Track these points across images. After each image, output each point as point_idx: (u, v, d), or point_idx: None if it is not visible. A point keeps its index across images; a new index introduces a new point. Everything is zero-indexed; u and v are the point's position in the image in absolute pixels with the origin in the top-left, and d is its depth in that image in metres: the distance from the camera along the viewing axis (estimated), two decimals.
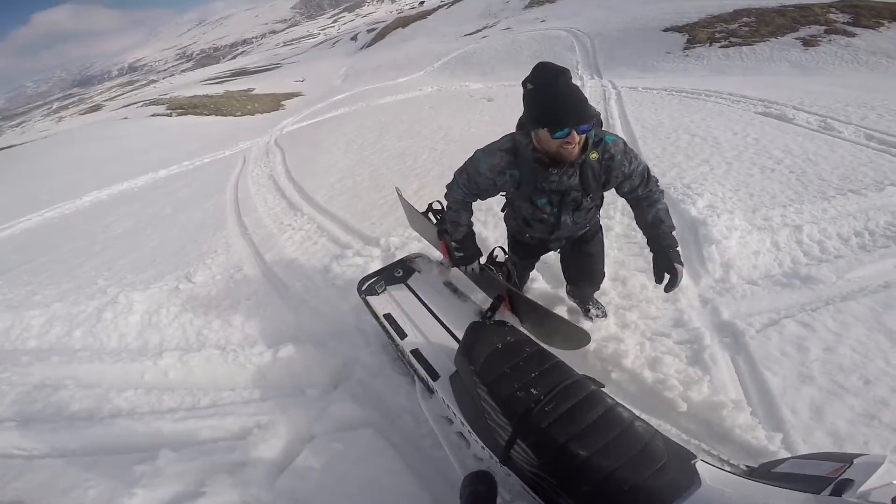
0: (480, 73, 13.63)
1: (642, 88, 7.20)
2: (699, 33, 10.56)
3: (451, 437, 1.73)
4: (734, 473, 1.08)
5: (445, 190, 1.79)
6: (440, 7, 33.61)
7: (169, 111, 15.54)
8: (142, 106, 18.82)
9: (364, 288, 2.21)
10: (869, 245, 2.44)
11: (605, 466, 1.07)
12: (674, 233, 1.65)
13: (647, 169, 1.62)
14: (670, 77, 8.56)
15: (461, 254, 1.87)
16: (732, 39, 9.91)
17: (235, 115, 14.10)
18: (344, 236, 3.74)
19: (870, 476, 0.87)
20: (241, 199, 5.29)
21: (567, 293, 2.31)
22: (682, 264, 1.60)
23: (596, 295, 2.29)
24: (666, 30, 11.36)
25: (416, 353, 1.80)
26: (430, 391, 1.76)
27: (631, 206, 1.73)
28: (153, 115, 14.97)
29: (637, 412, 1.24)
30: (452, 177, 1.75)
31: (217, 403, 2.28)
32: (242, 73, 35.62)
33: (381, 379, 2.22)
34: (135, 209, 5.94)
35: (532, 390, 1.29)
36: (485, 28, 20.60)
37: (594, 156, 1.49)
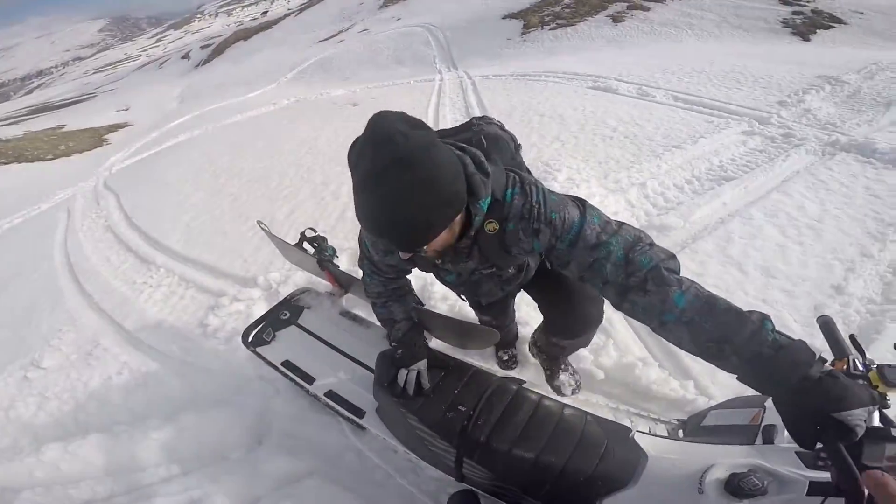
0: (341, 78, 13.07)
1: (493, 76, 7.58)
2: (531, 18, 11.48)
3: (401, 466, 1.63)
4: (670, 437, 1.12)
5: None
6: (287, 16, 31.40)
7: None
8: None
9: (250, 340, 1.92)
10: (699, 189, 2.84)
11: (554, 462, 1.07)
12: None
13: (604, 225, 0.93)
14: (514, 62, 9.15)
15: (402, 353, 1.34)
16: (559, 21, 10.94)
17: (45, 160, 11.04)
18: (214, 283, 3.25)
19: None
20: (75, 264, 4.30)
21: (532, 343, 1.83)
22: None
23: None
24: (504, 17, 12.17)
25: (331, 394, 1.62)
26: (362, 428, 1.64)
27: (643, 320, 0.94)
28: None
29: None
30: (361, 269, 1.34)
31: (136, 487, 1.91)
32: (45, 108, 29.17)
33: (306, 424, 1.99)
34: None
35: (460, 407, 1.25)
36: (341, 32, 19.88)
37: (491, 227, 0.98)
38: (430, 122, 5.59)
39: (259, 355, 1.87)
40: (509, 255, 1.03)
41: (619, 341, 1.89)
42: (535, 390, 1.27)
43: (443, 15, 14.93)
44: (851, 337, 0.91)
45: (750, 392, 0.87)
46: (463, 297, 1.56)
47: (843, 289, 1.99)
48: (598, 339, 1.87)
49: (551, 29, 10.66)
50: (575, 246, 0.92)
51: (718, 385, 1.64)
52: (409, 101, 7.22)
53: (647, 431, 1.16)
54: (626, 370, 1.74)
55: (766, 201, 2.64)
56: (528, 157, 3.78)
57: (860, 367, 0.84)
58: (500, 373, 1.65)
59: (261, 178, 5.05)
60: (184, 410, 2.15)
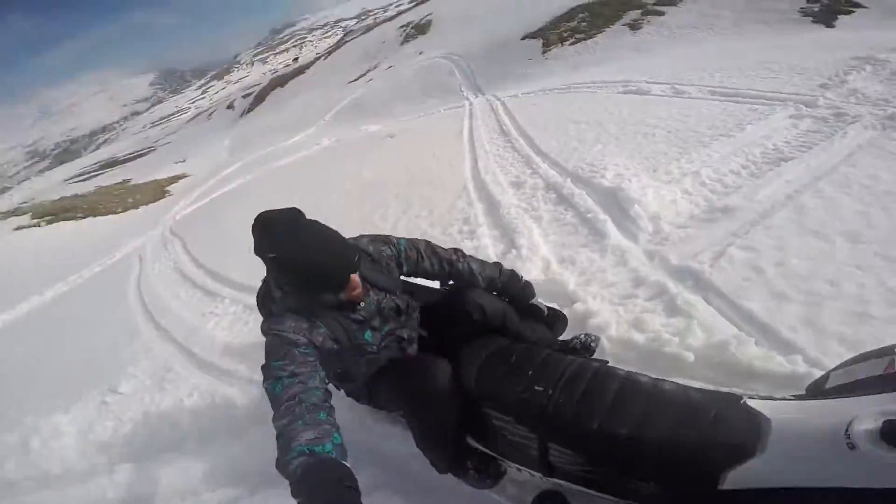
0: (374, 115, 13.51)
1: (522, 95, 7.65)
2: (550, 36, 11.56)
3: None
4: (788, 398, 0.98)
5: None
6: (317, 60, 32.57)
7: (35, 220, 12.65)
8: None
9: None
10: (757, 172, 2.70)
11: (654, 435, 0.95)
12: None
13: (414, 241, 1.48)
14: (541, 80, 9.21)
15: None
16: (577, 35, 10.98)
17: (116, 213, 12.03)
18: None
19: None
20: (149, 303, 4.59)
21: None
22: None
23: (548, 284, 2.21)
24: (524, 38, 12.29)
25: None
26: None
27: (458, 287, 1.52)
28: (17, 229, 12.15)
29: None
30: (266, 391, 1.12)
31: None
32: (113, 163, 31.80)
33: (368, 433, 1.92)
34: (25, 339, 4.97)
35: (536, 387, 1.14)
36: (368, 71, 20.47)
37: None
38: (465, 145, 5.70)
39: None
40: (394, 277, 1.39)
41: (703, 320, 1.77)
42: (622, 368, 1.15)
43: (463, 44, 15.19)
44: None
45: None
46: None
47: None
48: (677, 321, 1.80)
49: (571, 44, 10.72)
50: (403, 252, 1.44)
51: (831, 355, 1.48)
52: (444, 128, 7.36)
53: (761, 396, 1.02)
54: (718, 350, 1.60)
55: (835, 175, 2.48)
56: (571, 161, 3.78)
57: None
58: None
59: (312, 210, 5.15)
60: (250, 427, 2.17)
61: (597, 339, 1.75)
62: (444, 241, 3.07)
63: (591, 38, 10.54)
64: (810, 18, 9.57)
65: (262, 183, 8.37)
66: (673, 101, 4.51)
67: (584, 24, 11.43)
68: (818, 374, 1.35)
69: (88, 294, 5.87)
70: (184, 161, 20.10)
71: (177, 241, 6.52)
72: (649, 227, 2.49)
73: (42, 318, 5.53)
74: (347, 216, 4.58)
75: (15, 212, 16.04)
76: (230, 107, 33.76)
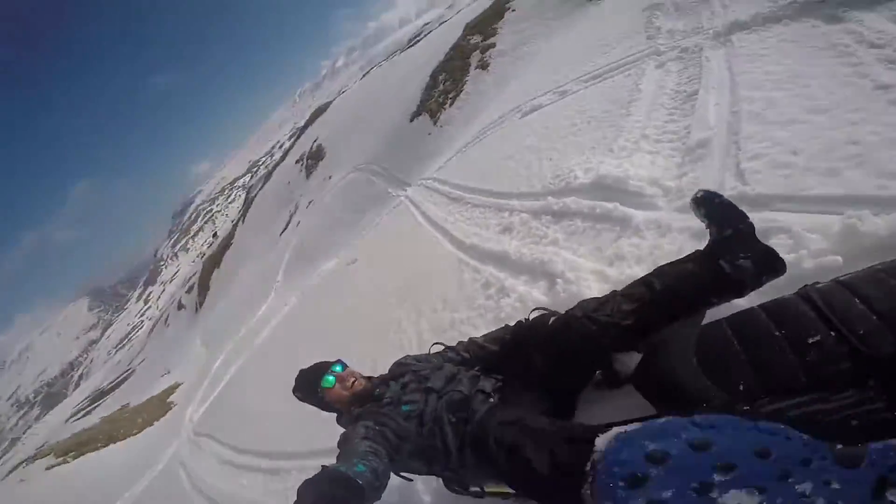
0: (323, 252, 13.18)
1: (444, 164, 8.26)
2: (430, 106, 12.60)
3: None
4: None
5: None
6: (236, 226, 31.61)
7: (61, 458, 12.56)
8: (23, 467, 14.73)
9: None
10: (686, 111, 3.22)
11: None
12: None
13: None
14: (448, 146, 9.89)
15: None
16: (450, 95, 12.14)
17: (133, 434, 11.73)
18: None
19: None
20: (215, 497, 4.56)
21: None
22: None
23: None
24: (411, 119, 13.19)
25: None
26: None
27: (487, 360, 1.69)
28: (49, 468, 11.90)
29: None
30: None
31: None
32: (102, 395, 30.12)
33: None
34: None
35: (809, 340, 0.95)
36: (291, 216, 20.22)
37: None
38: (429, 229, 5.75)
39: None
40: (404, 364, 1.83)
41: (799, 227, 1.64)
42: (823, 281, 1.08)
43: (361, 151, 15.57)
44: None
45: None
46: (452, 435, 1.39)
47: None
48: (782, 240, 1.63)
49: (450, 105, 11.86)
50: None
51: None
52: (398, 227, 7.60)
53: None
54: (851, 234, 1.45)
55: (742, 84, 2.98)
56: (535, 185, 4.04)
57: None
58: None
59: (325, 355, 5.09)
60: None
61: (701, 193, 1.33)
62: (476, 316, 3.09)
63: (460, 91, 11.84)
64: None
65: (257, 361, 8.25)
66: (566, 102, 5.26)
67: (448, 83, 12.74)
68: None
69: None
70: (168, 373, 19.14)
71: (206, 438, 6.40)
72: (658, 191, 2.65)
73: None
74: (364, 347, 4.32)
75: (36, 456, 15.80)
76: (181, 307, 32.43)
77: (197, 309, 27.50)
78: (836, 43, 2.78)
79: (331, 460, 3.31)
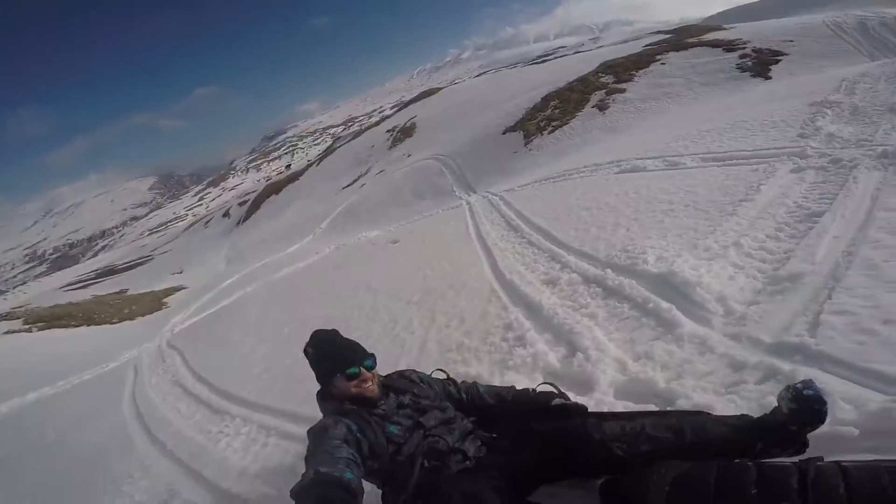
0: (371, 220, 13.75)
1: (518, 188, 8.10)
2: (529, 127, 12.56)
3: None
4: None
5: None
6: (309, 166, 33.18)
7: (27, 326, 12.65)
8: None
9: None
10: (796, 233, 2.81)
11: None
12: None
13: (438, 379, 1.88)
14: (530, 171, 9.85)
15: None
16: (553, 123, 12.04)
17: (112, 323, 11.96)
18: (297, 428, 3.07)
19: None
20: (144, 414, 4.35)
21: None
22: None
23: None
24: (504, 132, 13.25)
25: None
26: None
27: (506, 410, 1.73)
28: (7, 333, 12.04)
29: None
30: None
31: None
32: (111, 272, 31.61)
33: None
34: (9, 439, 4.73)
35: None
36: (360, 177, 21.09)
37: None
38: (476, 244, 5.69)
39: None
40: (429, 385, 1.77)
41: (840, 392, 1.63)
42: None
43: (448, 143, 16.00)
44: None
45: None
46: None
47: None
48: None
49: (549, 132, 11.71)
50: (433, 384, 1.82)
51: None
52: (448, 229, 7.49)
53: None
54: (882, 418, 1.48)
55: (877, 221, 2.58)
56: (600, 250, 3.77)
57: None
58: None
59: (325, 324, 5.04)
60: None
61: (809, 383, 1.35)
62: (487, 350, 3.01)
63: (566, 123, 11.58)
64: (748, 73, 10.79)
65: (263, 296, 8.23)
66: (672, 174, 4.83)
67: (556, 111, 12.58)
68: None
69: (76, 401, 5.62)
70: (181, 272, 20.20)
71: (175, 354, 6.29)
72: (720, 309, 2.46)
73: (26, 419, 5.27)
74: (368, 330, 4.30)
75: (7, 316, 15.93)
76: (226, 215, 34.02)
77: (239, 222, 28.88)
78: None
79: (281, 423, 3.20)
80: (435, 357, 3.31)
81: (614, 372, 2.34)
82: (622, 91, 11.66)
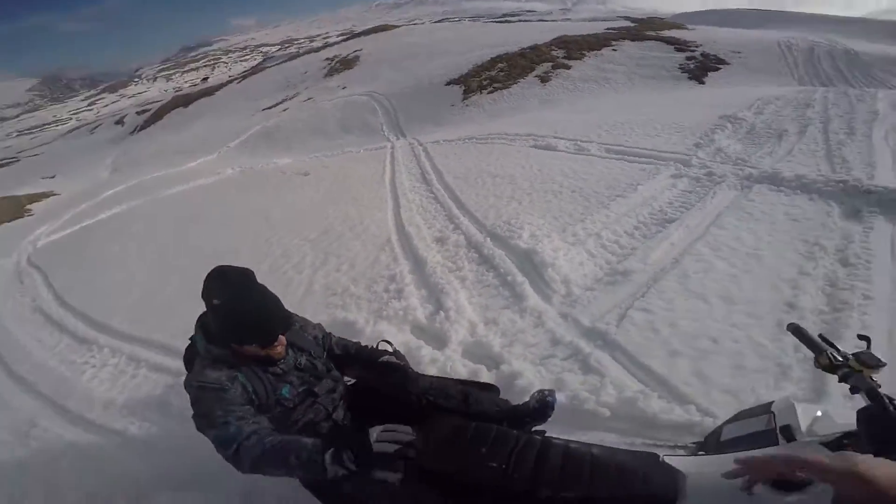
0: (286, 147, 13.01)
1: (443, 141, 8.06)
2: (471, 83, 12.39)
3: None
4: (699, 454, 1.17)
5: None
6: (230, 82, 30.78)
7: None
8: None
9: None
10: (647, 234, 3.16)
11: (602, 496, 1.10)
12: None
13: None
14: (460, 127, 9.78)
15: (353, 456, 1.17)
16: (495, 85, 11.93)
17: None
18: (171, 361, 3.01)
19: (796, 415, 1.03)
20: (2, 346, 3.94)
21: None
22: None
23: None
24: (447, 83, 12.97)
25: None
26: None
27: (349, 362, 1.75)
28: None
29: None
30: (214, 439, 1.30)
31: None
32: None
33: (303, 494, 1.86)
34: None
35: (491, 464, 1.26)
36: (285, 100, 19.85)
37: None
38: (387, 191, 5.78)
39: None
40: (314, 342, 1.63)
41: (614, 378, 2.00)
42: (559, 437, 1.32)
43: (388, 83, 15.48)
44: (821, 335, 1.07)
45: None
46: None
47: (796, 305, 2.27)
48: (594, 379, 2.01)
49: (489, 93, 11.60)
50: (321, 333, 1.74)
51: (718, 404, 1.78)
52: (364, 169, 7.36)
53: (673, 454, 1.21)
54: (628, 405, 1.83)
55: (708, 237, 2.98)
56: (490, 218, 4.00)
57: (839, 358, 1.00)
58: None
59: (213, 253, 4.85)
60: (155, 491, 1.99)
61: (552, 393, 1.75)
62: (368, 299, 3.14)
63: (507, 87, 11.53)
64: (686, 75, 11.44)
65: (150, 213, 7.51)
66: (576, 159, 5.09)
67: (502, 73, 12.48)
68: (710, 421, 1.66)
69: None
70: (53, 177, 17.49)
71: (37, 273, 5.59)
72: (562, 289, 2.74)
73: None
74: (258, 263, 4.12)
75: None
76: (120, 122, 30.17)
77: (135, 131, 26.04)
78: (820, 241, 2.81)
79: (148, 354, 3.08)
80: (318, 299, 3.36)
81: (465, 332, 2.59)
82: (568, 68, 11.80)
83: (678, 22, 20.61)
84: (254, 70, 31.68)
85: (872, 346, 1.03)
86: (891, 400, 0.88)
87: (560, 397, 1.76)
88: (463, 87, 12.36)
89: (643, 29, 16.72)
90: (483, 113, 10.81)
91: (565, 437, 1.32)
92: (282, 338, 1.41)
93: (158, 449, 2.28)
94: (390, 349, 1.80)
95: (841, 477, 0.54)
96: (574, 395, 1.93)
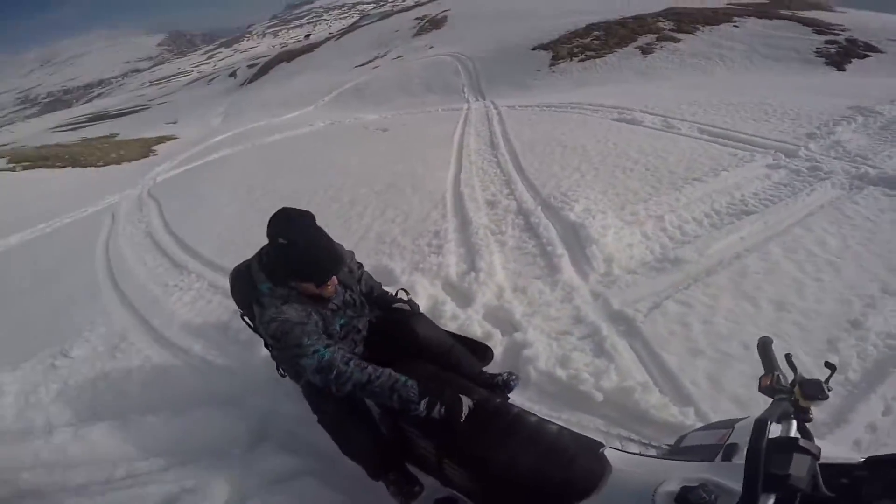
0: (374, 103, 13.69)
1: (519, 107, 7.82)
2: (560, 50, 11.76)
3: None
4: (642, 454, 1.20)
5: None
6: (328, 39, 32.61)
7: (11, 165, 12.60)
8: None
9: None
10: (718, 223, 2.88)
11: (524, 468, 1.18)
12: None
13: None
14: (542, 93, 9.40)
15: (444, 407, 1.38)
16: (588, 53, 11.19)
17: (97, 166, 11.98)
18: None
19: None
20: (114, 264, 4.63)
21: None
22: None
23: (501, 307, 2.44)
24: (534, 48, 12.45)
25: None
26: None
27: (369, 302, 1.86)
28: None
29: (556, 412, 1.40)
30: (309, 367, 1.42)
31: (133, 474, 2.09)
32: (102, 116, 31.50)
33: (311, 426, 2.02)
34: None
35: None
36: (376, 58, 20.65)
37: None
38: (454, 152, 5.82)
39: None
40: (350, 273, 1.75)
41: (621, 366, 1.94)
42: (517, 405, 1.38)
43: (474, 45, 15.30)
44: (787, 356, 1.01)
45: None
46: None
47: (861, 324, 1.98)
48: (601, 362, 1.96)
49: (580, 60, 10.93)
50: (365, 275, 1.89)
51: (720, 412, 1.65)
52: (438, 129, 7.47)
53: (620, 448, 1.24)
54: (625, 394, 1.79)
55: (786, 236, 2.65)
56: (547, 187, 3.91)
57: (783, 384, 0.95)
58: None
59: (293, 195, 5.33)
60: (195, 405, 2.30)
61: (517, 379, 1.92)
62: (412, 250, 3.31)
63: (601, 56, 10.76)
64: (823, 59, 9.87)
65: (247, 158, 8.40)
66: (660, 135, 4.68)
67: (597, 41, 11.65)
68: (684, 409, 1.64)
69: (55, 245, 5.88)
70: (175, 122, 20.10)
71: (153, 204, 6.53)
72: (601, 268, 2.63)
73: (6, 263, 5.55)
74: (326, 208, 4.59)
75: None
76: (233, 75, 33.37)
77: (244, 83, 28.59)
78: None
79: (224, 283, 3.36)
80: (370, 245, 3.61)
81: (492, 295, 2.62)
82: (676, 41, 10.63)
83: (825, 3, 17.66)
84: (350, 28, 32.87)
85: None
86: (793, 442, 0.84)
87: (532, 374, 1.99)
88: (551, 53, 11.77)
89: (778, 6, 14.57)
90: (569, 81, 10.25)
91: (528, 407, 1.40)
92: (334, 278, 1.54)
93: (212, 366, 2.65)
94: (405, 297, 1.96)
95: None
96: (574, 375, 1.93)
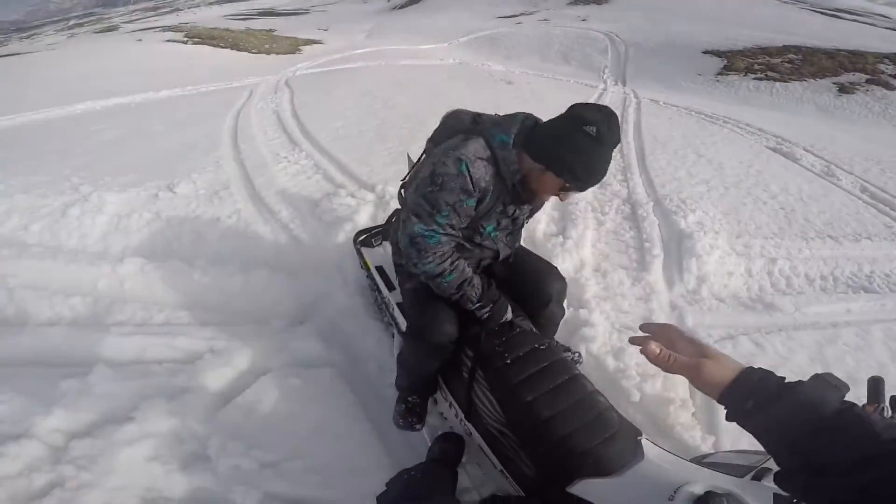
0: (505, 56, 13.58)
1: (663, 103, 7.35)
2: (738, 61, 10.58)
3: None
4: (675, 453, 1.19)
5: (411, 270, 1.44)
6: None
7: (185, 39, 15.23)
8: (159, 31, 18.27)
9: (361, 239, 2.31)
10: (830, 289, 2.67)
11: (563, 428, 1.17)
12: None
13: None
14: (694, 98, 8.64)
15: (489, 312, 1.45)
16: (769, 73, 9.95)
17: (251, 52, 13.82)
18: (339, 177, 3.83)
19: None
20: (240, 127, 5.29)
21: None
22: None
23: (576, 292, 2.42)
24: (706, 52, 11.35)
25: (400, 306, 1.83)
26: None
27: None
28: (168, 41, 14.59)
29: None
30: (415, 231, 1.34)
31: (171, 322, 2.19)
32: (269, 13, 34.62)
33: (353, 320, 2.22)
34: (126, 122, 5.76)
35: (497, 348, 1.40)
36: (521, 14, 20.28)
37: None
38: None
39: (360, 253, 2.24)
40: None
41: (671, 378, 1.91)
42: (578, 369, 1.37)
43: (633, 29, 14.33)
44: (893, 398, 0.98)
45: None
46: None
47: None
48: (651, 368, 1.89)
49: (756, 79, 9.78)
50: None
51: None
52: (564, 98, 7.20)
53: (653, 442, 1.23)
54: (661, 404, 1.82)
55: None
56: (666, 188, 3.78)
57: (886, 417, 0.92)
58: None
59: (408, 115, 5.70)
60: (260, 266, 2.51)
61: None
62: None
63: (784, 81, 9.51)
64: None
65: (378, 74, 8.98)
66: (815, 180, 4.21)
67: (787, 64, 10.27)
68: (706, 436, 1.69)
69: (195, 104, 6.82)
70: (326, 30, 21.68)
71: (287, 91, 7.36)
72: (691, 283, 2.59)
73: (150, 110, 6.49)
74: (427, 132, 4.76)
75: (174, 28, 19.25)
76: None
77: (395, 8, 29.23)
78: None
79: (328, 166, 4.14)
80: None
81: (570, 266, 2.69)
82: (891, 88, 8.99)
83: None
84: None
85: None
86: None
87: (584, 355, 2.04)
88: (724, 62, 10.67)
89: None
90: (732, 95, 9.28)
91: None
92: (547, 198, 1.47)
93: (289, 235, 2.95)
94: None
95: (688, 370, 0.67)
96: (622, 369, 1.98)
